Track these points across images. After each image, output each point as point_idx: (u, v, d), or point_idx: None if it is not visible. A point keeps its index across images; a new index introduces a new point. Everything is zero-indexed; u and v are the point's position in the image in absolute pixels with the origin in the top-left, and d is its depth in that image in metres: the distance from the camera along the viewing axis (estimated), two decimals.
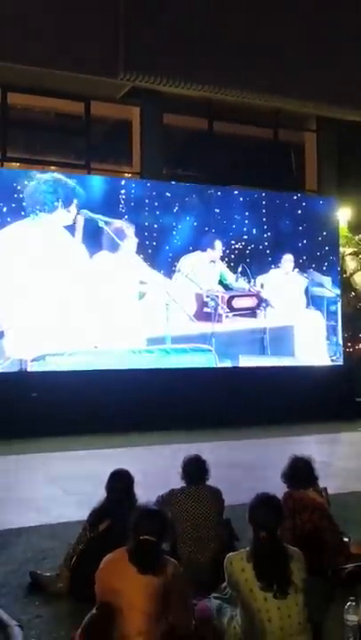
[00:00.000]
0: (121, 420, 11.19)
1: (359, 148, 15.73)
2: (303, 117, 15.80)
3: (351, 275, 15.41)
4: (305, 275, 14.27)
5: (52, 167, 13.50)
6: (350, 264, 15.39)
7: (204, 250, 13.41)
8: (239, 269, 13.61)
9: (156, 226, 13.02)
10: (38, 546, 5.34)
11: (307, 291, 14.26)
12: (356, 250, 15.48)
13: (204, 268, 13.39)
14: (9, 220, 11.94)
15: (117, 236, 12.60)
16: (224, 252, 13.53)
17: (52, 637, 3.81)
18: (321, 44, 14.38)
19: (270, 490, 3.59)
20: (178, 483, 4.73)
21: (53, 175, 12.48)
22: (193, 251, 13.31)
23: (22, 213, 12.04)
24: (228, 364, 13.28)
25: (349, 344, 15.16)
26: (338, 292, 14.53)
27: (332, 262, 14.58)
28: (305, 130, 16.24)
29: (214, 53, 13.38)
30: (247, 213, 13.85)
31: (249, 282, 13.69)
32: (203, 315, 13.16)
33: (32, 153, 14.17)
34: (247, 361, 13.43)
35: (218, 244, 13.48)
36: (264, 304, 13.73)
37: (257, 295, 13.73)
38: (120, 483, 4.48)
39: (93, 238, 12.45)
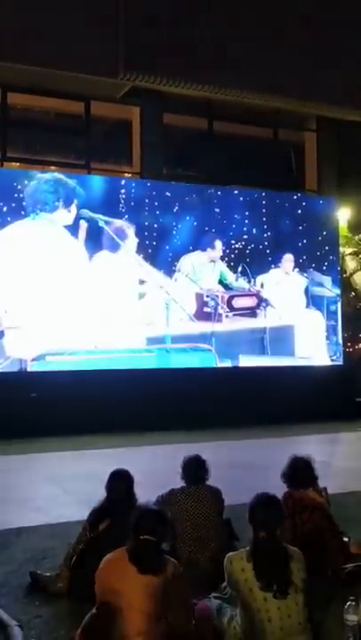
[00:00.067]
0: (121, 420, 11.19)
1: (359, 148, 15.73)
2: (303, 117, 15.81)
3: (351, 275, 15.41)
4: (305, 274, 14.28)
5: (52, 167, 13.50)
6: (350, 264, 15.39)
7: (204, 249, 13.41)
8: (239, 269, 13.61)
9: (156, 226, 13.03)
10: (38, 546, 5.34)
11: (307, 290, 14.27)
12: (356, 250, 15.48)
13: (205, 267, 13.39)
14: (9, 219, 11.95)
15: (117, 236, 12.60)
16: (224, 251, 13.53)
17: (52, 637, 3.81)
18: (321, 43, 14.38)
19: (270, 490, 3.59)
20: (178, 483, 4.73)
21: (54, 175, 12.48)
22: (193, 250, 13.31)
23: (22, 213, 12.04)
24: (228, 363, 13.28)
25: (349, 344, 15.16)
26: (338, 291, 14.53)
27: (332, 262, 14.58)
28: (305, 130, 16.25)
29: (214, 53, 13.38)
30: (247, 213, 13.85)
31: (249, 281, 13.69)
32: (203, 314, 13.17)
33: (32, 153, 14.17)
34: (247, 361, 13.43)
35: (218, 244, 13.48)
36: (264, 304, 13.73)
37: (257, 295, 13.74)
38: (120, 482, 4.48)
39: (93, 238, 12.45)
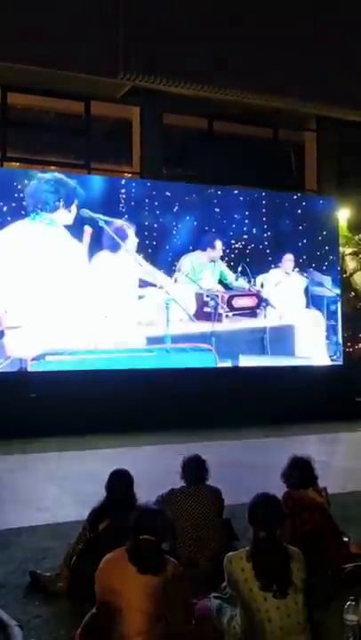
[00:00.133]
0: (121, 420, 11.18)
1: (359, 148, 15.74)
2: (303, 117, 15.80)
3: (351, 274, 15.40)
4: (305, 274, 14.28)
5: (52, 167, 13.49)
6: (350, 264, 15.38)
7: (204, 249, 13.41)
8: (239, 269, 13.61)
9: (156, 225, 13.03)
10: (38, 546, 5.35)
11: (307, 290, 14.26)
12: (356, 250, 15.48)
13: (205, 267, 13.39)
14: (9, 219, 11.95)
15: (118, 236, 12.60)
16: (224, 251, 13.53)
17: (52, 637, 3.81)
18: (321, 43, 14.37)
19: (270, 490, 3.59)
20: (178, 483, 4.73)
21: (55, 175, 12.48)
22: (193, 250, 13.31)
23: (22, 213, 12.04)
24: (228, 363, 13.27)
25: (349, 344, 15.16)
26: (338, 291, 14.53)
27: (332, 262, 14.59)
28: (305, 130, 16.24)
29: (214, 53, 13.37)
30: (247, 213, 13.85)
31: (249, 281, 13.70)
32: (203, 314, 13.16)
33: (32, 153, 14.16)
34: (247, 361, 13.42)
35: (218, 244, 13.48)
36: (264, 303, 13.73)
37: (257, 295, 13.73)
38: (120, 482, 4.48)
39: (94, 238, 12.44)
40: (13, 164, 13.62)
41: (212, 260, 13.47)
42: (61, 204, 12.20)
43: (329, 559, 4.40)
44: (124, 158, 14.77)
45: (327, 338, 14.35)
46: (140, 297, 12.81)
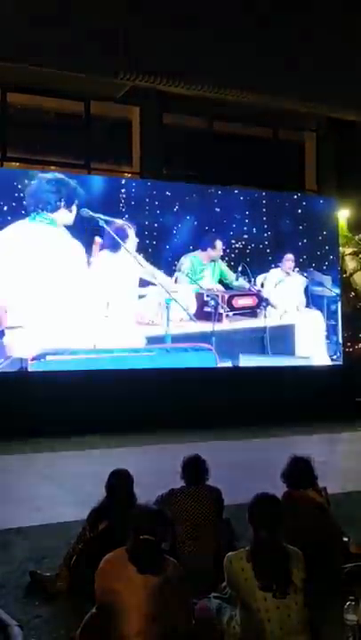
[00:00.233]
0: (121, 419, 11.19)
1: (359, 148, 15.73)
2: (303, 117, 15.79)
3: (351, 274, 15.41)
4: (305, 274, 14.29)
5: (52, 167, 13.49)
6: (350, 264, 15.39)
7: (204, 249, 13.42)
8: (239, 269, 13.62)
9: (156, 225, 13.03)
10: (38, 546, 5.35)
11: (307, 290, 14.27)
12: (356, 250, 15.48)
13: (205, 267, 13.40)
14: (9, 218, 11.95)
15: (118, 236, 12.60)
16: (224, 251, 13.54)
17: (52, 637, 3.81)
18: (321, 43, 14.37)
19: (270, 490, 3.59)
20: (178, 483, 4.73)
21: (56, 175, 12.49)
22: (193, 250, 13.32)
23: (23, 212, 12.04)
24: (228, 363, 13.28)
25: (349, 344, 15.16)
26: (338, 291, 14.54)
27: (333, 262, 14.60)
28: (305, 130, 16.23)
29: (214, 53, 13.36)
30: (247, 213, 13.86)
31: (249, 281, 13.70)
32: (203, 314, 13.16)
33: (32, 153, 14.16)
34: (247, 360, 13.43)
35: (218, 244, 13.49)
36: (264, 303, 13.74)
37: (257, 294, 13.74)
38: (120, 482, 4.48)
39: (94, 237, 12.44)
40: (13, 163, 13.61)
41: (213, 260, 13.48)
42: (62, 203, 12.20)
43: (329, 559, 4.40)
44: (124, 158, 14.77)
45: (327, 338, 14.36)
46: (141, 296, 12.82)
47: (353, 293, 15.37)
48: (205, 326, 13.11)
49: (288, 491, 4.58)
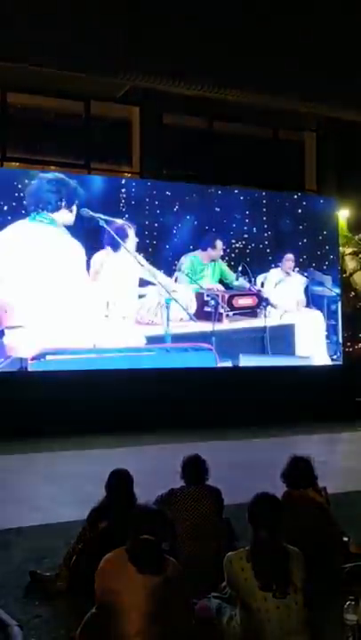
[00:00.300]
0: (121, 419, 11.19)
1: (359, 148, 15.72)
2: (303, 117, 15.79)
3: (351, 274, 15.42)
4: (305, 274, 14.29)
5: (52, 167, 13.49)
6: (350, 263, 15.40)
7: (204, 249, 13.42)
8: (239, 268, 13.62)
9: (156, 225, 13.04)
10: (38, 546, 5.35)
11: (307, 290, 14.28)
12: (356, 249, 15.49)
13: (205, 267, 13.40)
14: (9, 218, 11.95)
15: (118, 235, 12.60)
16: (225, 251, 13.55)
17: (52, 637, 3.81)
18: (321, 43, 14.35)
19: (270, 490, 3.59)
20: (178, 483, 4.73)
21: (56, 175, 12.49)
22: (193, 250, 13.33)
23: (23, 212, 12.04)
24: (228, 363, 13.28)
25: (349, 343, 15.17)
26: (338, 291, 14.55)
27: (333, 261, 14.61)
28: (305, 130, 16.23)
29: (214, 53, 13.35)
30: (247, 213, 13.87)
31: (249, 281, 13.70)
32: (203, 314, 13.17)
33: (32, 153, 14.16)
34: (248, 360, 13.43)
35: (218, 244, 13.49)
36: (264, 303, 13.74)
37: (257, 294, 13.74)
38: (120, 482, 4.48)
39: (94, 237, 12.45)
40: (13, 163, 13.61)
41: (213, 260, 13.48)
42: (63, 203, 12.21)
43: (329, 559, 4.40)
44: (124, 158, 14.77)
45: (327, 337, 14.37)
46: (141, 296, 12.82)
47: (353, 293, 15.37)
48: (205, 326, 13.11)
49: (288, 490, 4.58)
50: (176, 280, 13.11)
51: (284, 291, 14.04)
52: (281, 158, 15.94)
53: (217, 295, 13.29)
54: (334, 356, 14.40)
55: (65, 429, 10.74)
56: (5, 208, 11.97)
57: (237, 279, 13.63)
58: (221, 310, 13.26)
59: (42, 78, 12.79)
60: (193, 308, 13.15)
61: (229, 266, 13.58)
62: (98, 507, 4.47)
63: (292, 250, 14.14)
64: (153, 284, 12.85)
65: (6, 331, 11.74)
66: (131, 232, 12.74)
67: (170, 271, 13.05)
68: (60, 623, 3.93)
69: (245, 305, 13.61)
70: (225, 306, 13.30)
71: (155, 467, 7.72)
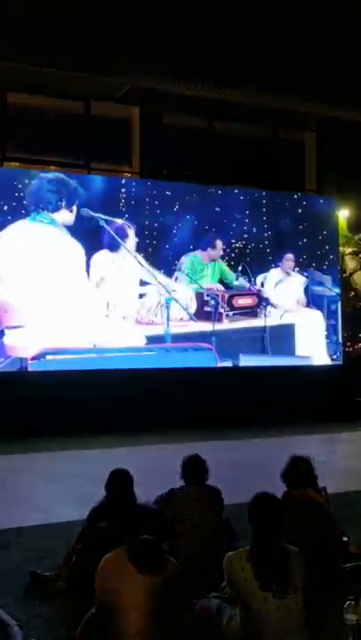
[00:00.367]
0: (121, 419, 11.19)
1: (359, 148, 15.72)
2: (303, 117, 15.79)
3: (351, 274, 15.42)
4: (305, 274, 14.29)
5: (52, 167, 13.49)
6: (350, 263, 15.41)
7: (204, 249, 13.42)
8: (239, 268, 13.63)
9: (156, 225, 13.04)
10: (38, 546, 5.35)
11: (307, 290, 14.28)
12: (356, 249, 15.49)
13: (205, 266, 13.40)
14: (9, 218, 11.96)
15: (118, 235, 12.61)
16: (225, 250, 13.55)
17: (52, 637, 3.81)
18: (321, 43, 14.35)
19: (270, 490, 3.59)
20: (178, 483, 4.73)
21: (56, 175, 12.50)
22: (193, 250, 13.33)
23: (23, 212, 12.05)
24: (228, 363, 13.28)
25: (349, 343, 15.17)
26: (338, 291, 14.55)
27: (333, 261, 14.61)
28: (305, 130, 16.23)
29: (214, 53, 13.35)
30: (247, 213, 13.87)
31: (249, 281, 13.70)
32: (203, 314, 13.17)
33: (32, 153, 14.15)
34: (248, 360, 13.43)
35: (218, 244, 13.50)
36: (264, 303, 13.74)
37: (257, 294, 13.74)
38: (119, 482, 4.48)
39: (94, 237, 12.45)
40: (13, 163, 13.61)
41: (213, 260, 13.48)
42: (63, 203, 12.21)
43: (328, 559, 4.40)
44: (124, 158, 14.77)
45: (327, 337, 14.37)
46: (141, 296, 12.82)
47: (353, 293, 15.37)
48: (205, 326, 13.11)
49: (288, 490, 4.58)
50: (176, 280, 13.11)
51: (284, 290, 14.04)
52: (281, 158, 15.94)
53: (217, 295, 13.30)
54: (334, 356, 14.40)
55: (65, 429, 10.74)
56: (5, 208, 11.97)
57: (237, 279, 13.63)
58: (221, 310, 13.26)
59: (42, 78, 12.80)
60: (193, 307, 13.16)
61: (229, 266, 13.58)
62: (98, 506, 4.48)
63: (292, 250, 14.14)
64: (153, 284, 12.85)
65: (6, 331, 11.74)
66: (131, 232, 12.75)
67: (170, 271, 13.05)
68: (60, 623, 3.93)
69: (245, 305, 13.61)
70: (225, 306, 13.30)
71: (155, 467, 7.72)
